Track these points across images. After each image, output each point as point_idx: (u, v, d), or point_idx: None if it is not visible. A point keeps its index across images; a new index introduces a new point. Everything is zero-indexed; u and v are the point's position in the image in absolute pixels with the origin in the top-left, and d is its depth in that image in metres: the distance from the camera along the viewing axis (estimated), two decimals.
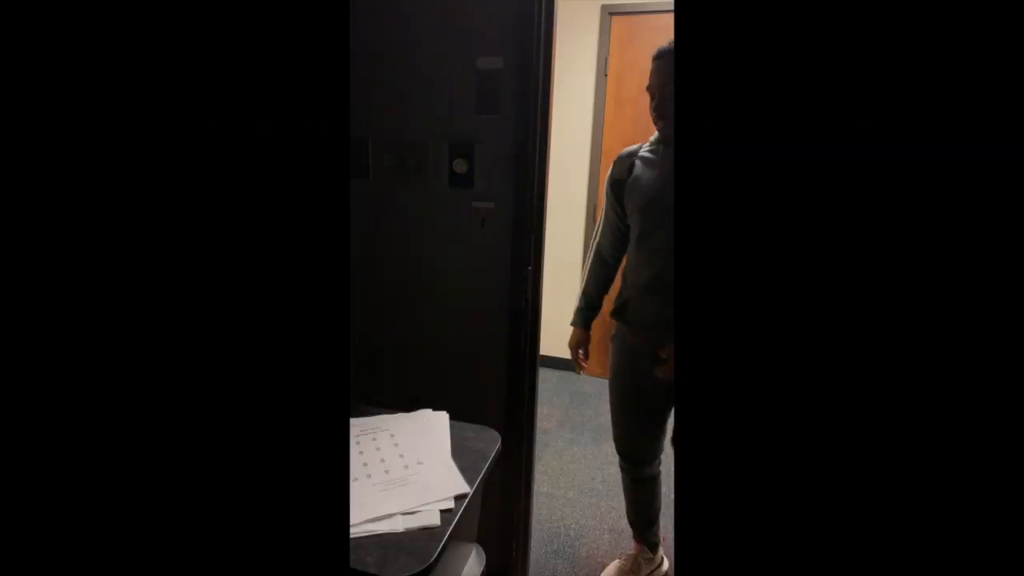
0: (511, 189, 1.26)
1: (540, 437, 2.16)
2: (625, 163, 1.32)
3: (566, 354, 1.58)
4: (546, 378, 2.80)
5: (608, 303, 1.48)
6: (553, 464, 2.16)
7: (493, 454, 0.94)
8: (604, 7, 2.60)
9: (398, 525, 0.78)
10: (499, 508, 1.45)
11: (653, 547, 1.58)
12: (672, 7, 1.51)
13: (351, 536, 0.76)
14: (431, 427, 1.03)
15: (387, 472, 0.89)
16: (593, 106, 2.72)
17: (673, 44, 1.11)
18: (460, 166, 1.26)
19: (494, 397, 1.40)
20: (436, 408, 1.09)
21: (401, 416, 1.07)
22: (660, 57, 1.15)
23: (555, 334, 2.02)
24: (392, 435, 1.00)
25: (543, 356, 1.45)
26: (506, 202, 1.27)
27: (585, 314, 1.50)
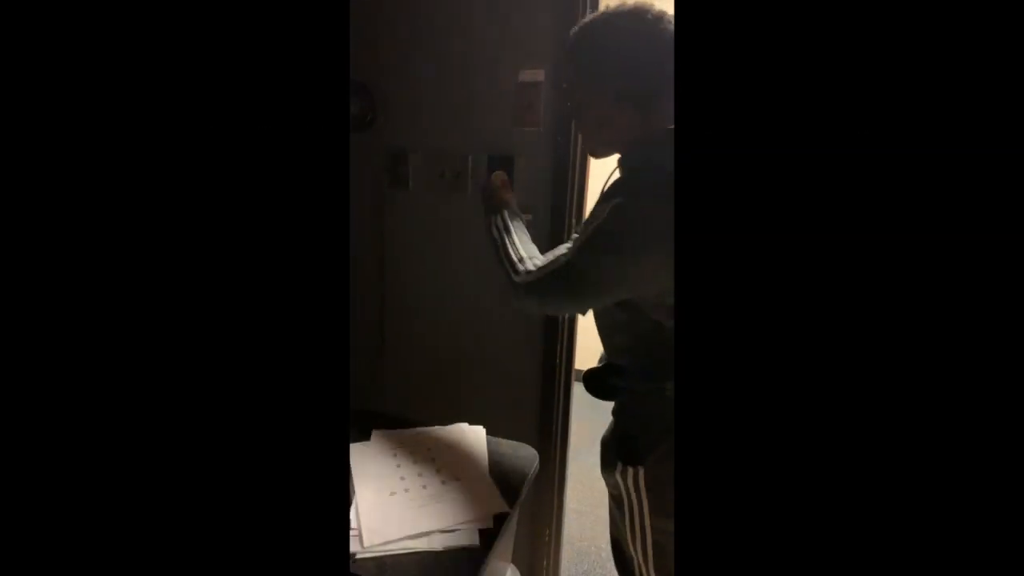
0: (549, 202, 1.25)
1: (569, 452, 2.13)
2: None
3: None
4: (575, 391, 2.77)
5: None
6: (583, 480, 2.12)
7: (532, 473, 0.92)
8: None
9: (436, 544, 0.76)
10: (529, 525, 1.43)
11: None
12: None
13: (390, 552, 0.75)
14: (468, 442, 1.02)
15: (424, 487, 0.88)
16: None
17: (594, 18, 0.80)
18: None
19: (527, 412, 1.38)
20: (467, 421, 1.08)
21: (437, 430, 1.06)
22: (573, 36, 0.81)
23: (589, 347, 1.99)
24: (429, 449, 0.99)
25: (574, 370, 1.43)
26: (544, 214, 1.26)
27: None
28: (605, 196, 0.79)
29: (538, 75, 1.19)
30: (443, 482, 0.89)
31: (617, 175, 0.82)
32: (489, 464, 0.94)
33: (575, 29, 0.81)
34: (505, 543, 0.85)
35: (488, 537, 0.77)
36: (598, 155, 0.89)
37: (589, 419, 2.62)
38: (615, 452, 0.89)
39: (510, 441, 1.01)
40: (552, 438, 1.39)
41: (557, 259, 0.84)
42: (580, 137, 0.85)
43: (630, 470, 0.85)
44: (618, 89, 0.77)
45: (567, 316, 1.30)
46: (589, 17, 0.80)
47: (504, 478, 0.90)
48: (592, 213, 0.80)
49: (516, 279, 0.88)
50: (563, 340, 1.32)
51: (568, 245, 0.83)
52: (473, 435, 1.04)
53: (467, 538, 0.77)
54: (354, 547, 0.75)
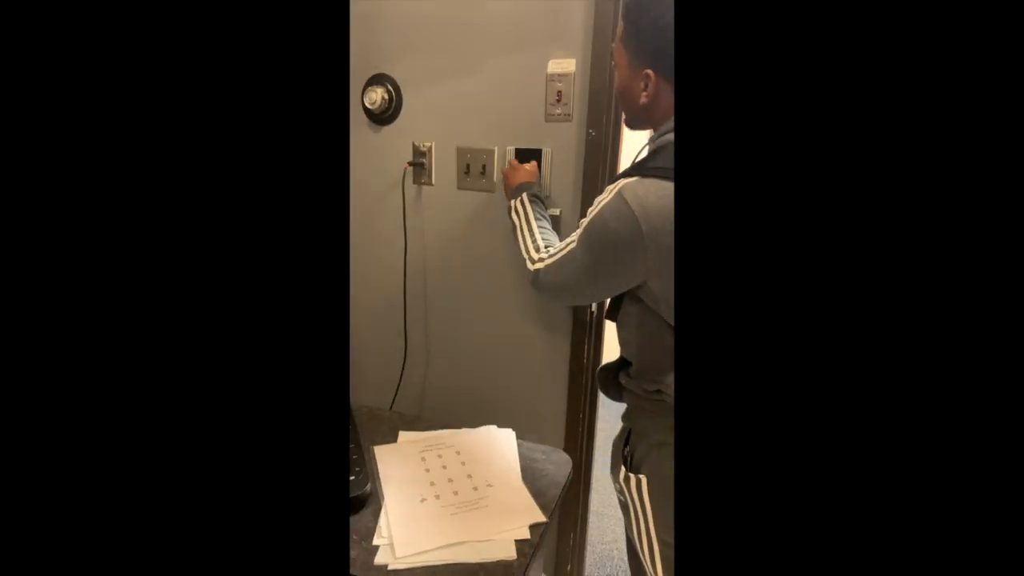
0: (579, 196, 1.21)
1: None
2: None
3: None
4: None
5: None
6: (603, 482, 2.08)
7: (565, 480, 0.88)
8: None
9: (471, 555, 0.73)
10: (553, 529, 1.40)
11: None
12: None
13: (423, 564, 0.71)
14: (498, 446, 0.98)
15: (456, 493, 0.85)
16: None
17: None
18: None
19: (553, 412, 1.34)
20: (492, 422, 1.04)
21: (466, 432, 1.03)
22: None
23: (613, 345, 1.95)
24: (458, 452, 0.96)
25: None
26: (573, 209, 1.22)
27: None
28: (617, 176, 0.76)
29: (569, 65, 1.15)
30: (475, 488, 0.86)
31: (644, 153, 0.79)
32: (521, 470, 0.91)
33: None
34: (540, 554, 0.81)
35: (525, 549, 0.74)
36: (632, 126, 0.87)
37: (603, 417, 2.58)
38: (620, 457, 0.86)
39: (541, 446, 0.98)
40: (578, 440, 1.35)
41: (566, 246, 0.82)
42: (619, 108, 0.87)
43: (632, 477, 0.82)
44: (656, 61, 0.74)
45: (594, 313, 1.26)
46: None
47: (537, 485, 0.86)
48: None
49: (531, 268, 0.90)
50: (590, 339, 1.28)
51: (579, 232, 0.80)
52: (503, 438, 1.00)
53: (503, 550, 0.73)
54: (385, 558, 0.72)
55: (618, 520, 1.86)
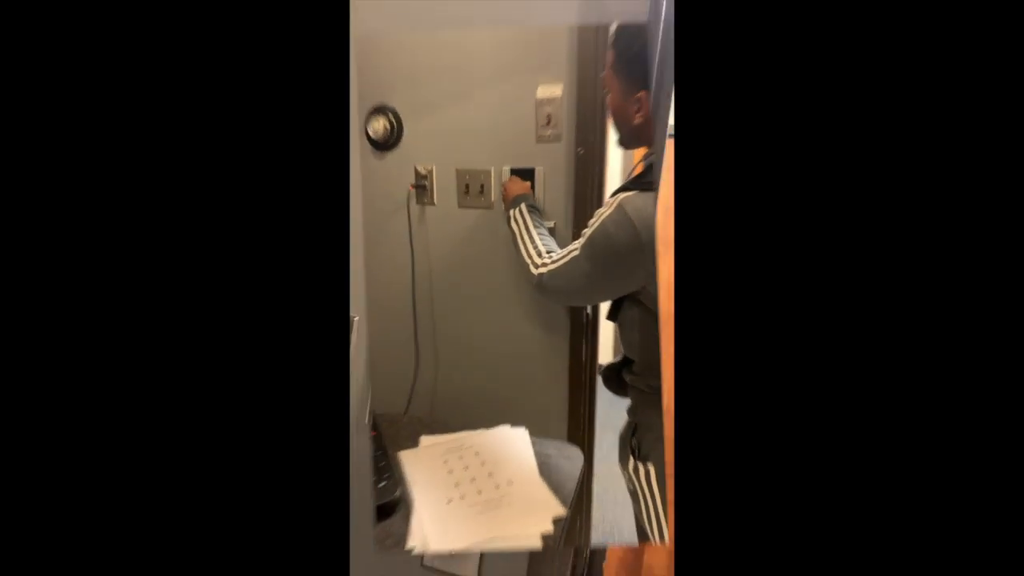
0: (571, 209, 1.29)
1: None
2: None
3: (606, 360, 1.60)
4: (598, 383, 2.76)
5: None
6: (599, 472, 2.16)
7: (580, 473, 0.97)
8: None
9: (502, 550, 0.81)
10: None
11: None
12: None
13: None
14: (514, 444, 1.07)
15: (479, 492, 0.93)
16: None
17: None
18: None
19: (556, 406, 1.43)
20: (498, 419, 1.13)
21: (482, 432, 1.11)
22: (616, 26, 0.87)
23: (608, 344, 2.03)
24: (477, 453, 1.05)
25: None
26: (566, 221, 1.31)
27: None
28: (616, 190, 0.84)
29: (556, 90, 1.23)
30: (497, 486, 0.95)
31: (639, 169, 0.87)
32: (537, 466, 1.00)
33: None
34: (561, 545, 0.91)
35: (550, 542, 0.82)
36: (627, 146, 0.93)
37: (602, 408, 2.63)
38: (628, 448, 0.93)
39: (553, 441, 1.06)
40: (580, 432, 1.44)
41: (568, 253, 0.90)
42: (610, 127, 0.95)
43: (641, 467, 0.90)
44: (647, 84, 0.81)
45: (591, 316, 1.35)
46: None
47: (554, 479, 0.95)
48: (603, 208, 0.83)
49: (534, 272, 0.95)
50: (587, 338, 1.37)
51: (581, 241, 0.87)
52: (517, 437, 1.09)
53: (530, 543, 0.83)
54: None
55: (615, 503, 1.96)
